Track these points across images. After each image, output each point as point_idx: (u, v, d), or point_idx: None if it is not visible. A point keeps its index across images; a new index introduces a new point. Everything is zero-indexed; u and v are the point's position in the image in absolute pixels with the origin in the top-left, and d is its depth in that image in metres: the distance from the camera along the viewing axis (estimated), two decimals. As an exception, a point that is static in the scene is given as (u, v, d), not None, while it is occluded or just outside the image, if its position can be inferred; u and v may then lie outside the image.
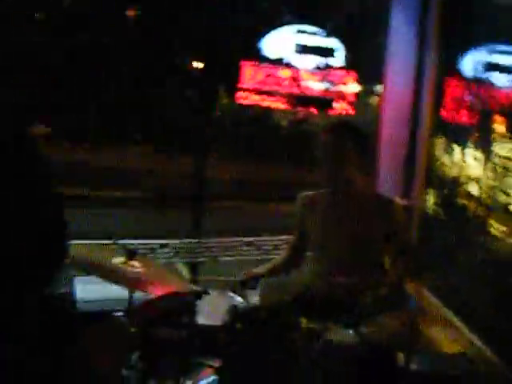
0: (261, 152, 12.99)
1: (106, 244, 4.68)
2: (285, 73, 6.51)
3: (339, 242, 3.63)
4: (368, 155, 3.75)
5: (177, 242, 5.55)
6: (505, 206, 4.89)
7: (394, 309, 3.34)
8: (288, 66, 6.52)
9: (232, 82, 7.14)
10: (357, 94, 6.67)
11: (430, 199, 5.82)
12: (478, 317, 4.94)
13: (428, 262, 4.75)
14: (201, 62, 6.00)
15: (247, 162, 12.90)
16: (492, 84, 5.33)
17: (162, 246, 5.49)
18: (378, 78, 6.06)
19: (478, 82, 5.49)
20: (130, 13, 10.49)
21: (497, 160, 5.03)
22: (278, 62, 6.60)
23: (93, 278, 4.99)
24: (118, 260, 3.41)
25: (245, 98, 6.67)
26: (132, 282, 3.27)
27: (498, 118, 5.17)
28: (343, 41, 6.70)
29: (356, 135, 3.63)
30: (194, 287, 3.36)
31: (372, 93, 7.05)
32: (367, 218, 3.64)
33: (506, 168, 4.91)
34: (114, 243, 4.98)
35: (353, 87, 6.60)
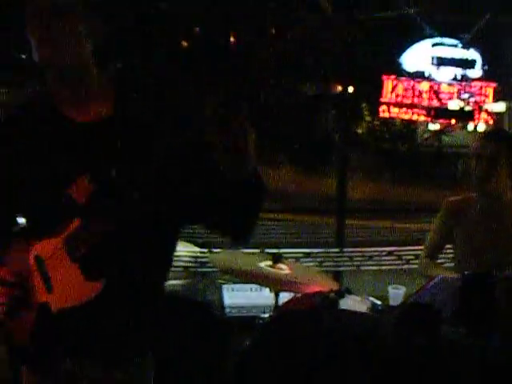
0: (401, 170, 12.93)
1: (252, 253, 4.88)
2: (424, 85, 6.55)
3: (490, 250, 3.63)
4: None
5: (320, 250, 5.69)
6: None
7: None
8: (427, 78, 6.56)
9: (374, 97, 7.26)
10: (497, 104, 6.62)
11: None
12: None
13: None
14: (343, 81, 6.16)
15: (387, 181, 12.89)
16: None
17: (306, 254, 5.63)
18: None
19: None
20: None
21: None
22: (418, 75, 6.65)
23: (240, 285, 5.25)
24: (265, 264, 3.56)
25: (386, 112, 6.75)
26: (279, 284, 3.43)
27: None
28: (482, 52, 6.66)
29: (511, 144, 3.65)
30: (338, 286, 3.47)
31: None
32: None
33: None
34: (261, 252, 5.18)
35: (492, 98, 6.54)
